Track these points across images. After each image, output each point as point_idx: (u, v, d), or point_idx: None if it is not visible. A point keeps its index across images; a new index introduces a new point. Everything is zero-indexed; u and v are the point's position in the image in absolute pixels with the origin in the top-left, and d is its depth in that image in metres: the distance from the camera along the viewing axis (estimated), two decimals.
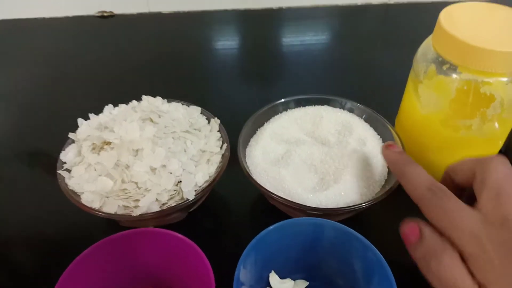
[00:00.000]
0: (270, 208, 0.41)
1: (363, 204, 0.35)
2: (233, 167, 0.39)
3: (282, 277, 0.34)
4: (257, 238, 0.31)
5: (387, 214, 0.41)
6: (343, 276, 0.34)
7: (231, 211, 0.43)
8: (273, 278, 0.33)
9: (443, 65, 0.35)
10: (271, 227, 0.32)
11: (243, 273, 0.30)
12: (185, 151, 0.38)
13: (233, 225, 0.42)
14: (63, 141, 0.40)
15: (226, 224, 0.42)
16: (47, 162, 0.46)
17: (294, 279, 0.34)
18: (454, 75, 0.35)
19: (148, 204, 0.35)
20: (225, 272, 0.30)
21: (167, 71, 0.65)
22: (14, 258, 0.39)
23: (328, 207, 0.36)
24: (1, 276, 0.37)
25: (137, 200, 0.35)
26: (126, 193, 0.35)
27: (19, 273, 0.38)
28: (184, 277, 0.33)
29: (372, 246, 0.31)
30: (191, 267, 0.31)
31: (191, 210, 0.41)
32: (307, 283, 0.34)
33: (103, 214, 0.35)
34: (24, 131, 0.53)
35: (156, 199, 0.35)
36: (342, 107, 0.45)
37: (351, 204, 0.36)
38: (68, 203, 0.36)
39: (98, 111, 0.43)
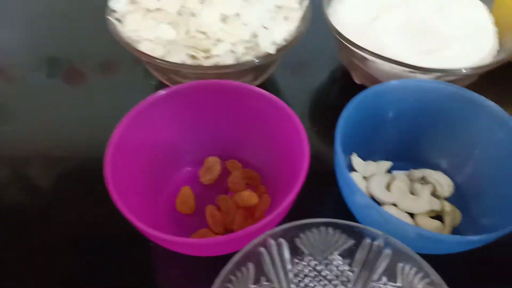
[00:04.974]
0: (352, 85, 0.35)
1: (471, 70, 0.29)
2: (313, 28, 0.32)
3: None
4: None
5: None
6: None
7: (306, 79, 0.38)
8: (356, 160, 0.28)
9: None
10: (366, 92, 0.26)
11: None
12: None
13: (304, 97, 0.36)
14: None
15: (296, 97, 0.36)
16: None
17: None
18: None
19: (222, 53, 0.29)
20: None
21: None
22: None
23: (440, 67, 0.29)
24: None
25: (208, 50, 0.29)
26: (194, 41, 0.29)
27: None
28: (267, 142, 0.27)
29: None
30: (282, 133, 0.26)
31: (258, 81, 0.34)
32: (390, 163, 0.29)
33: (167, 63, 0.28)
34: None
35: (231, 50, 0.29)
36: None
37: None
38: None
39: None
